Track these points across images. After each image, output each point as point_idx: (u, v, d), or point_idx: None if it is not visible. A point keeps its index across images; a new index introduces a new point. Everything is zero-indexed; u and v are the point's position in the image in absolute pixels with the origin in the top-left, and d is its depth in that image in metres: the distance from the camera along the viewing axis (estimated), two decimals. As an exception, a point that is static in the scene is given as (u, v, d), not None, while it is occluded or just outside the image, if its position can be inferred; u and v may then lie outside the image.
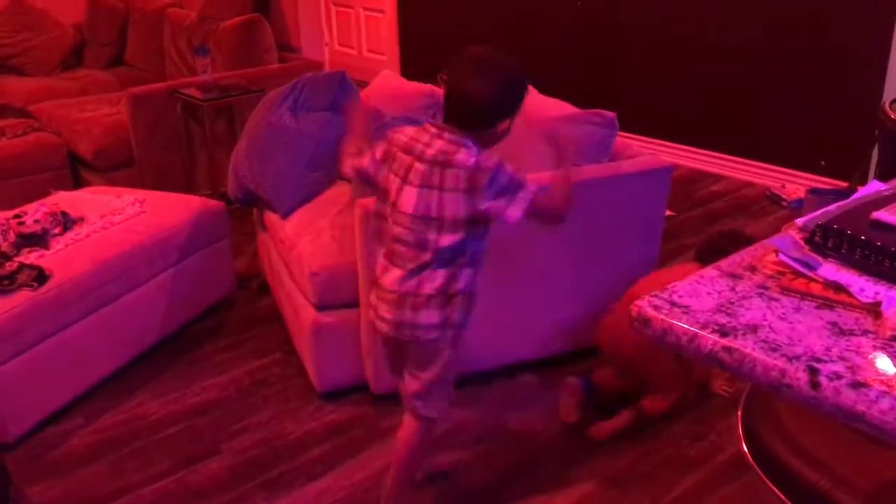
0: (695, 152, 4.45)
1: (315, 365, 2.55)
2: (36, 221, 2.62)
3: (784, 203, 3.91)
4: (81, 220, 2.76)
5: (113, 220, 2.77)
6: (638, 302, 1.03)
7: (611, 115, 2.59)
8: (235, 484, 2.23)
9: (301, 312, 2.58)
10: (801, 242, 1.16)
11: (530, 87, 3.00)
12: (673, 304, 1.03)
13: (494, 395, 2.57)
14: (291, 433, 2.43)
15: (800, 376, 0.91)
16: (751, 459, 1.33)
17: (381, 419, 2.47)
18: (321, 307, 2.48)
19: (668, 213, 3.47)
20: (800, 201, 3.81)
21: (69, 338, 2.48)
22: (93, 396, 2.60)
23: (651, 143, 4.44)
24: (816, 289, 1.08)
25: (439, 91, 3.11)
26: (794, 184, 4.03)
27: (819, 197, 3.15)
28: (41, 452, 2.37)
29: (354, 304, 2.46)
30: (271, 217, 2.87)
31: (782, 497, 1.25)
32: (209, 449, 2.37)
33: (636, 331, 1.02)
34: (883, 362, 0.93)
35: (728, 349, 0.97)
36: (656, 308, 1.02)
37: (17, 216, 2.66)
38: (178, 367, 2.77)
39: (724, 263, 1.16)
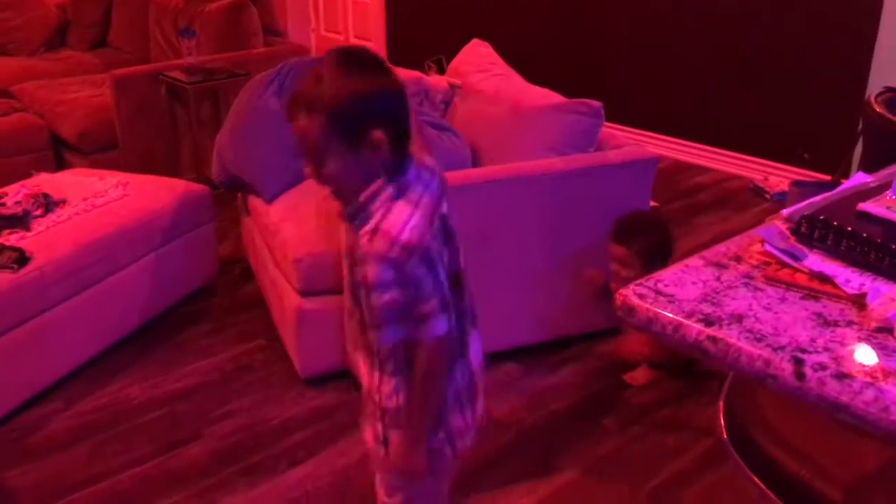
0: (680, 144, 4.46)
1: (298, 351, 2.54)
2: (17, 203, 2.59)
3: (767, 196, 3.93)
4: (63, 202, 2.73)
5: (95, 203, 2.74)
6: (623, 291, 1.03)
7: (597, 104, 2.59)
8: (216, 469, 2.22)
9: (285, 298, 2.56)
10: (787, 233, 1.16)
11: (518, 75, 3.02)
12: (658, 292, 1.03)
13: (478, 383, 2.57)
14: (274, 419, 2.42)
15: (784, 367, 0.92)
16: (731, 448, 1.33)
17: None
18: (305, 293, 2.47)
19: (652, 203, 3.47)
20: (783, 194, 3.83)
21: (50, 321, 2.46)
22: (73, 380, 2.58)
23: (636, 133, 4.45)
24: (802, 279, 1.08)
25: (426, 78, 3.10)
26: (777, 176, 4.05)
27: (802, 189, 3.17)
28: (20, 436, 2.35)
29: (338, 290, 2.44)
30: (256, 202, 2.85)
31: (762, 486, 1.26)
32: (190, 434, 2.35)
33: (622, 319, 1.02)
34: (867, 354, 0.94)
35: (713, 339, 0.97)
36: (641, 297, 1.02)
37: (-3, 197, 2.62)
38: (161, 351, 2.75)
39: (708, 253, 1.16)
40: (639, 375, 2.56)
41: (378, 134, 1.25)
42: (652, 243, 2.36)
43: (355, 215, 1.32)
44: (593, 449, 2.31)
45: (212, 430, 2.37)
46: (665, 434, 2.36)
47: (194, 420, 2.41)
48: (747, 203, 3.93)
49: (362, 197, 1.29)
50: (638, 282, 1.05)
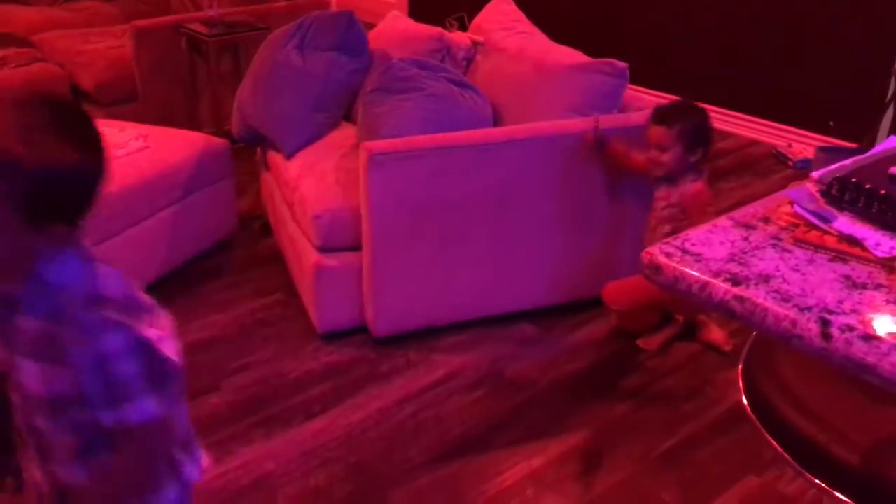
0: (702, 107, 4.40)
1: (316, 306, 2.55)
2: (38, 152, 2.59)
3: (790, 163, 3.89)
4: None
5: (116, 154, 2.74)
6: (649, 249, 1.03)
7: (622, 64, 2.56)
8: (234, 420, 2.25)
9: (303, 254, 2.57)
10: (817, 195, 1.15)
11: (541, 34, 2.97)
12: (685, 251, 1.03)
13: (490, 343, 2.58)
14: (291, 372, 2.44)
15: (811, 327, 0.91)
16: (749, 410, 1.34)
17: (380, 362, 2.48)
18: (323, 249, 2.48)
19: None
20: (806, 161, 3.78)
21: (70, 270, 2.47)
22: (93, 329, 2.60)
23: (658, 96, 4.39)
24: (830, 242, 1.07)
25: (448, 34, 3.07)
26: (801, 143, 3.99)
27: (829, 154, 3.11)
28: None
29: (356, 247, 2.46)
30: (275, 157, 2.85)
31: (779, 449, 1.26)
32: (209, 385, 2.38)
33: (647, 278, 1.02)
34: (895, 317, 0.93)
35: (739, 298, 0.97)
36: (668, 255, 1.01)
37: (18, 146, 2.63)
38: (179, 303, 2.76)
39: (737, 214, 1.15)
40: (652, 341, 2.56)
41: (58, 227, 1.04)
42: (694, 124, 2.34)
43: None
44: (607, 411, 2.32)
45: (230, 381, 2.40)
46: (679, 398, 2.37)
47: (212, 371, 2.44)
48: (769, 169, 3.88)
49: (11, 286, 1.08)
50: (665, 240, 1.04)
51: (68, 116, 1.02)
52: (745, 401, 1.35)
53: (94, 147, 1.03)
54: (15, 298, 1.04)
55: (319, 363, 2.49)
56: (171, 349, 1.08)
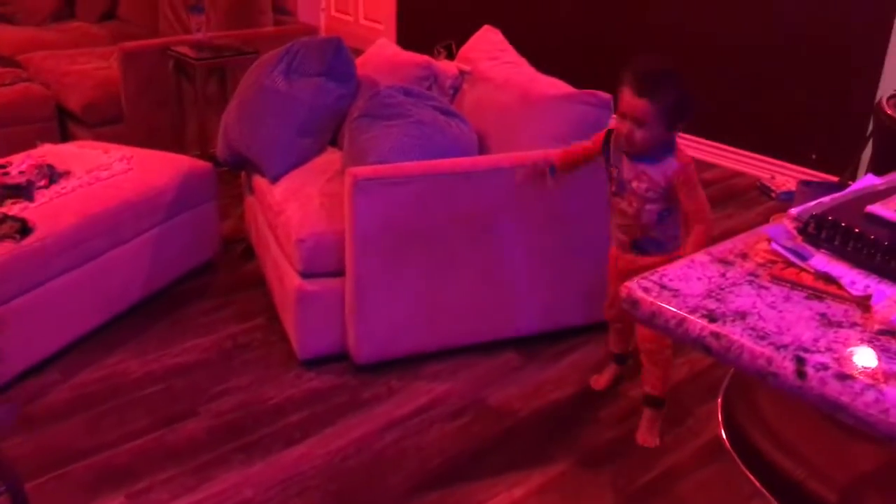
0: (687, 139, 4.44)
1: (297, 332, 2.54)
2: (21, 173, 2.59)
3: (773, 194, 3.92)
4: (67, 173, 2.73)
5: (100, 176, 2.74)
6: (627, 283, 1.03)
7: (606, 96, 2.58)
8: (213, 446, 2.23)
9: (286, 279, 2.56)
10: (795, 232, 1.15)
11: (527, 64, 2.99)
12: (663, 286, 1.03)
13: (473, 371, 2.57)
14: (271, 398, 2.42)
15: (786, 365, 0.91)
16: (728, 445, 1.34)
17: (362, 389, 2.47)
18: (306, 275, 2.47)
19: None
20: (789, 193, 3.82)
21: (50, 292, 2.46)
22: (72, 352, 2.58)
23: (645, 127, 4.43)
24: (807, 279, 1.08)
25: (435, 62, 3.09)
26: (784, 175, 4.03)
27: (811, 188, 3.16)
28: (18, 405, 2.36)
29: (340, 272, 2.45)
30: (260, 181, 2.85)
31: (758, 484, 1.26)
32: (188, 410, 2.36)
33: (627, 312, 1.02)
34: (869, 356, 0.94)
35: (716, 335, 0.97)
36: (646, 290, 1.02)
37: (1, 167, 2.62)
38: (160, 327, 2.75)
39: (715, 250, 1.15)
40: (602, 379, 2.54)
41: None
42: (681, 97, 1.98)
43: None
44: (589, 441, 2.31)
45: (209, 407, 2.38)
46: (662, 429, 2.36)
47: (192, 396, 2.42)
48: (753, 201, 3.92)
49: None
50: (643, 275, 1.04)
51: None
52: (723, 434, 1.35)
53: None
54: None
55: (300, 389, 2.47)
56: None
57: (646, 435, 2.31)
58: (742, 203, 3.89)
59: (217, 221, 3.10)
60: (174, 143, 3.78)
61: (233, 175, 3.28)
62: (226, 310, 2.86)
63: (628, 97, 1.98)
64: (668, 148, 2.05)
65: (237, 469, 2.15)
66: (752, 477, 1.28)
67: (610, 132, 2.14)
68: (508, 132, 2.69)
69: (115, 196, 2.66)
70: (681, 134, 2.14)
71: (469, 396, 2.47)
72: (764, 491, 1.25)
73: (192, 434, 2.27)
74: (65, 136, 3.88)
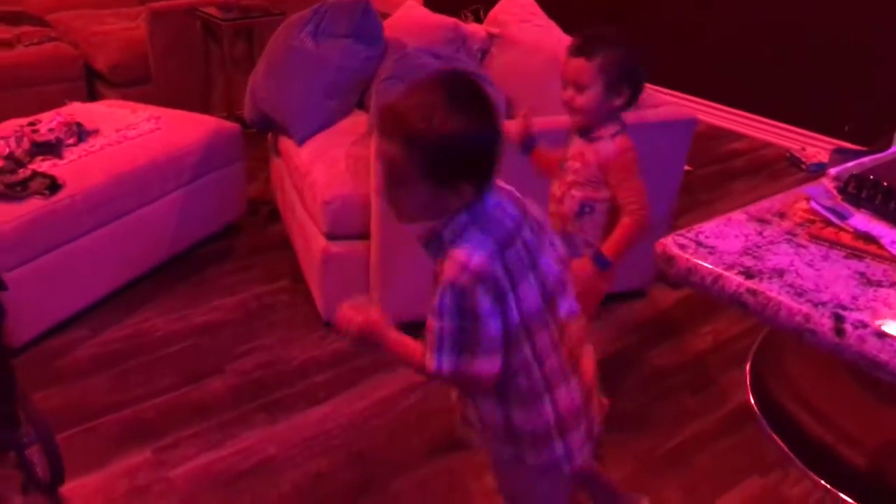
0: (717, 108, 4.38)
1: (322, 294, 2.55)
2: (50, 130, 2.60)
3: (803, 166, 3.86)
4: (96, 132, 2.73)
5: (128, 135, 2.74)
6: (662, 240, 1.01)
7: (638, 61, 2.53)
8: (237, 403, 2.25)
9: (311, 241, 2.57)
10: (834, 192, 1.13)
11: (557, 27, 2.95)
12: (699, 243, 1.01)
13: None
14: (295, 359, 2.44)
15: (824, 322, 0.90)
16: (756, 410, 1.33)
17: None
18: (332, 236, 2.47)
19: (686, 168, 3.42)
20: (820, 165, 3.76)
21: (78, 249, 2.48)
22: (99, 309, 2.61)
23: (672, 95, 4.37)
24: (846, 238, 1.06)
25: (463, 25, 3.05)
26: (814, 147, 3.97)
27: (845, 156, 3.10)
28: (46, 360, 2.39)
29: (365, 235, 2.45)
30: (286, 143, 2.84)
31: (786, 449, 1.25)
32: (213, 368, 2.38)
33: (660, 268, 1.01)
34: (910, 315, 0.92)
35: (753, 291, 0.96)
36: (681, 247, 1.00)
37: (31, 124, 2.63)
38: (186, 286, 2.77)
39: (752, 208, 1.13)
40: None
41: (465, 186, 1.21)
42: (620, 56, 1.82)
43: (429, 243, 1.28)
44: (613, 407, 2.29)
45: (234, 365, 2.40)
46: (686, 396, 2.35)
47: (217, 355, 2.44)
48: (782, 172, 3.86)
49: (437, 226, 1.25)
50: (679, 232, 1.02)
51: (461, 92, 1.19)
52: (751, 400, 1.34)
53: (485, 116, 1.20)
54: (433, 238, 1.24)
55: (324, 351, 2.48)
56: None
57: None
58: (771, 174, 3.83)
59: (243, 183, 3.10)
60: (201, 104, 3.78)
61: (259, 137, 3.28)
62: (251, 271, 2.87)
63: (568, 60, 1.85)
64: (614, 128, 1.89)
65: (261, 427, 2.17)
66: (780, 442, 1.27)
67: None
68: (537, 96, 2.66)
69: (142, 155, 2.67)
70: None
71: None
72: (792, 456, 1.24)
73: (218, 391, 2.29)
74: (92, 96, 3.89)
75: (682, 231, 1.04)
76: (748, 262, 1.00)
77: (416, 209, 1.26)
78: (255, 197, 3.28)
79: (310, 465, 2.05)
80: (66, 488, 1.94)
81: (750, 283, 0.96)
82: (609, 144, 1.86)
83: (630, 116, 2.53)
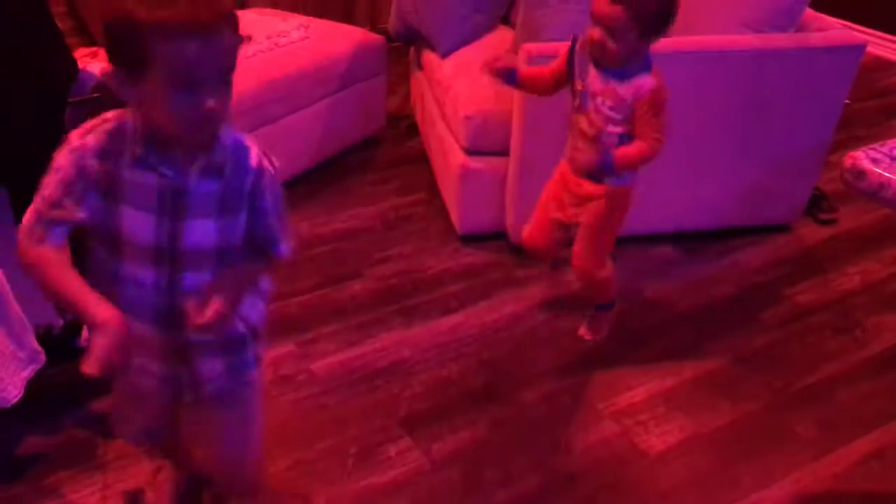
0: (882, 38, 4.06)
1: (458, 208, 2.58)
2: (208, 35, 2.69)
3: (975, 106, 3.56)
4: (249, 38, 2.79)
5: (279, 43, 2.82)
6: (853, 153, 0.97)
7: (805, -20, 2.38)
8: (375, 307, 2.33)
9: (450, 155, 2.59)
10: None
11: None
12: (894, 158, 0.96)
13: (630, 262, 2.54)
14: (430, 269, 2.50)
15: None
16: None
17: (517, 267, 2.50)
18: (471, 151, 2.48)
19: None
20: None
21: (231, 151, 2.59)
22: (247, 210, 2.73)
23: (844, 25, 4.07)
24: None
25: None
26: None
27: None
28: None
29: (504, 152, 2.45)
30: (430, 56, 2.85)
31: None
32: (352, 272, 2.47)
33: (846, 183, 0.97)
34: None
35: (949, 211, 0.91)
36: (874, 161, 0.96)
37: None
38: (327, 194, 2.86)
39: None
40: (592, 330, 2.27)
41: None
42: (662, 6, 1.75)
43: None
44: (748, 341, 2.26)
45: (372, 270, 2.48)
46: (825, 336, 2.28)
47: (356, 260, 2.53)
48: (950, 111, 3.58)
49: None
50: (872, 146, 0.98)
51: None
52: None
53: None
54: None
55: (458, 263, 2.53)
56: None
57: (586, 329, 2.25)
58: (936, 113, 3.56)
59: (384, 96, 3.14)
60: (345, 15, 3.81)
61: (399, 53, 3.30)
62: (389, 183, 2.94)
63: (604, 2, 1.74)
64: (643, 63, 1.81)
65: (397, 330, 2.25)
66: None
67: (575, 40, 1.90)
68: (689, 13, 2.52)
69: (292, 63, 2.74)
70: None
71: (624, 287, 2.44)
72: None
73: (356, 294, 2.38)
74: (241, 4, 3.99)
75: (875, 145, 0.99)
76: (945, 181, 0.95)
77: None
78: (394, 111, 3.32)
79: (441, 369, 2.12)
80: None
81: (947, 203, 0.91)
82: (647, 80, 1.80)
83: (793, 39, 2.41)
